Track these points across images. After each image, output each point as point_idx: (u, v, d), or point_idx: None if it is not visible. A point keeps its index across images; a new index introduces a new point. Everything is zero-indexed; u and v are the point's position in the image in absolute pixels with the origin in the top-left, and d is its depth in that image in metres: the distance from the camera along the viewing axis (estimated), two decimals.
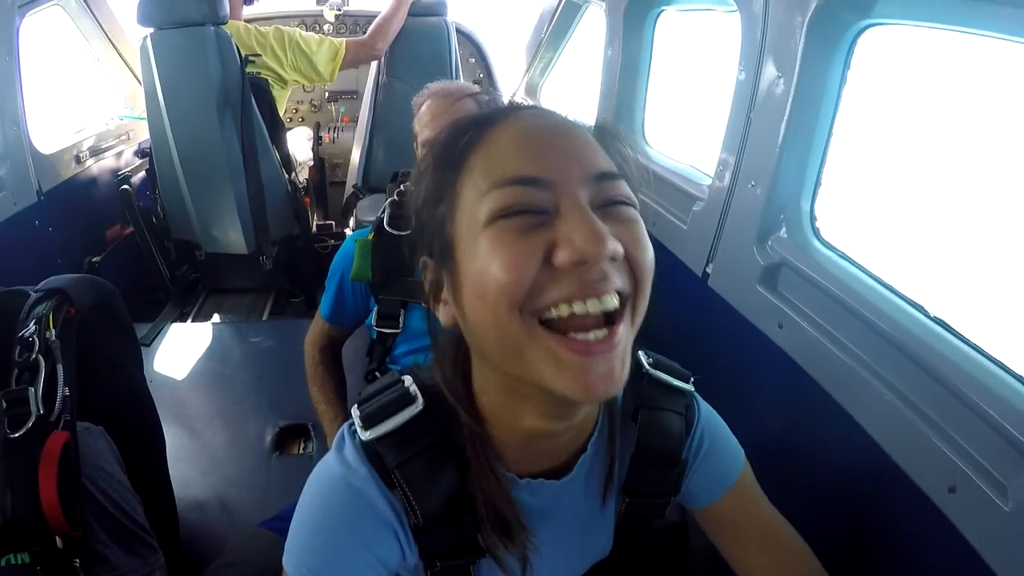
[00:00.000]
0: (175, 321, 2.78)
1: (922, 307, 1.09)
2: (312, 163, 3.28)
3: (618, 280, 0.56)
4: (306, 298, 3.11)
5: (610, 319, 0.56)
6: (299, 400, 1.96)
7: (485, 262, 0.56)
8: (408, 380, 0.72)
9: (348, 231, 2.98)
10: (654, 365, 0.80)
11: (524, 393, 0.62)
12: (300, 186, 2.85)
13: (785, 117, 1.29)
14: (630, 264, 0.57)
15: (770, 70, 1.33)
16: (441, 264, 0.63)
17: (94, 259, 2.74)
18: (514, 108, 0.63)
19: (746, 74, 1.41)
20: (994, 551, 0.87)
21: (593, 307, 0.55)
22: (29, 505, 0.89)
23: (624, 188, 0.59)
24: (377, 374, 1.51)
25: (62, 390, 0.97)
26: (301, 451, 1.99)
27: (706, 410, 0.84)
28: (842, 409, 1.13)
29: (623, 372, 0.57)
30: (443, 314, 0.65)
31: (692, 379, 0.82)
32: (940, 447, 0.95)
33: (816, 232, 1.33)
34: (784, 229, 1.34)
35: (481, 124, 0.61)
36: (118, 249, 2.92)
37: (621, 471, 0.79)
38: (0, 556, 0.91)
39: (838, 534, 1.14)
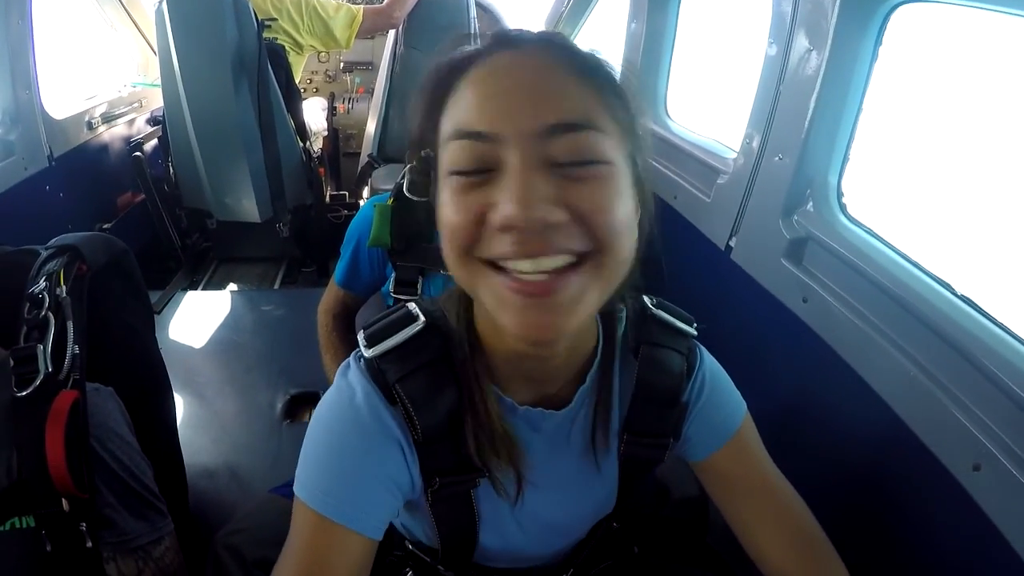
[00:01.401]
0: (186, 289, 2.78)
1: (949, 285, 1.08)
2: (326, 133, 3.26)
3: (566, 241, 0.55)
4: (318, 267, 3.10)
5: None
6: (310, 368, 1.96)
7: (444, 208, 0.59)
8: (412, 304, 0.74)
9: (363, 201, 2.97)
10: (658, 306, 0.80)
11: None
12: (314, 155, 2.83)
13: (815, 91, 1.28)
14: (588, 225, 0.55)
15: (801, 44, 1.31)
16: (433, 194, 0.65)
17: (104, 226, 2.73)
18: (497, 45, 0.60)
19: (776, 48, 1.39)
20: (1017, 531, 0.86)
21: (527, 267, 0.55)
22: (35, 466, 0.87)
23: (590, 141, 0.56)
24: None
25: (71, 348, 0.93)
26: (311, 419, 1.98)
27: (709, 359, 0.83)
28: (867, 385, 1.12)
29: (566, 321, 0.57)
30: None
31: (695, 325, 0.82)
32: (966, 424, 0.95)
33: (843, 208, 1.32)
34: (811, 203, 1.33)
35: (462, 65, 0.60)
36: (129, 216, 2.92)
37: (622, 409, 0.79)
38: (5, 519, 0.89)
39: (860, 509, 1.14)
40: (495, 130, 0.55)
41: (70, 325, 0.95)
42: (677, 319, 0.80)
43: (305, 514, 0.68)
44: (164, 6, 2.38)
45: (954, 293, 1.06)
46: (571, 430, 0.77)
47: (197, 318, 2.45)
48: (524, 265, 0.55)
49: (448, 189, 0.58)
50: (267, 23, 2.45)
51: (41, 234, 1.15)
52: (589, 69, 0.58)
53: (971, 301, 1.03)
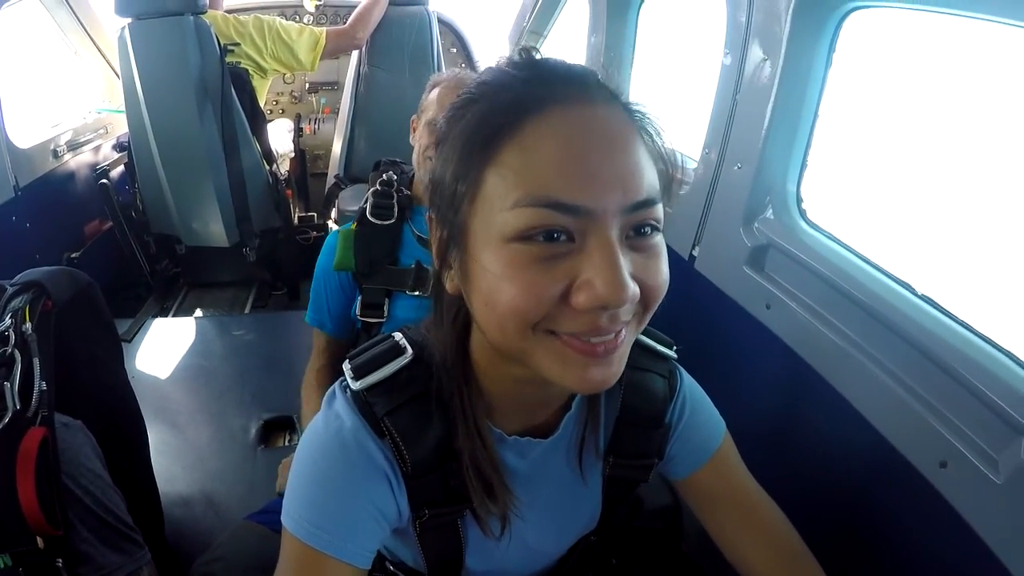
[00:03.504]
0: (156, 316, 2.75)
1: (909, 285, 1.10)
2: (293, 155, 3.24)
3: (628, 315, 0.56)
4: (288, 290, 3.08)
5: None
6: (283, 393, 2.00)
7: (501, 279, 0.54)
8: (398, 335, 0.73)
9: (330, 222, 2.95)
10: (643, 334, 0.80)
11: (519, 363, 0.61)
12: (281, 178, 2.82)
13: (771, 100, 1.30)
14: (643, 293, 0.55)
15: (756, 54, 1.34)
16: (451, 239, 0.60)
17: (73, 255, 2.69)
18: (564, 91, 0.55)
19: (732, 58, 1.41)
20: (986, 524, 0.88)
21: (598, 341, 0.55)
22: (7, 505, 0.86)
23: (657, 212, 0.56)
24: None
25: (39, 384, 0.93)
26: (287, 443, 1.97)
27: (688, 379, 0.85)
28: (831, 388, 1.14)
29: (620, 368, 0.58)
30: (448, 282, 0.64)
31: (675, 347, 0.83)
32: (931, 423, 0.96)
33: (803, 213, 1.34)
34: (771, 211, 1.35)
35: (523, 108, 0.55)
36: (97, 244, 2.87)
37: (606, 432, 0.80)
38: None
39: (830, 511, 1.15)
40: (586, 204, 0.52)
41: (36, 362, 0.94)
42: (658, 343, 0.81)
43: (294, 545, 0.68)
44: (126, 32, 2.38)
45: (915, 293, 1.08)
46: (557, 456, 0.78)
47: (168, 345, 2.41)
48: (595, 340, 0.55)
49: (508, 258, 0.54)
50: (230, 48, 2.45)
51: (8, 265, 1.15)
52: (646, 128, 0.58)
53: (932, 301, 1.05)
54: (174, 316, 2.90)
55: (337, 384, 0.74)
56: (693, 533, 1.18)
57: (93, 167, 2.89)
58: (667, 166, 0.59)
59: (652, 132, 0.59)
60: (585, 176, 0.52)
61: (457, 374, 0.69)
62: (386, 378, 0.69)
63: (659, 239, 0.56)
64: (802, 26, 1.23)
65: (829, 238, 1.27)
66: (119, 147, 3.04)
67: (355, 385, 0.70)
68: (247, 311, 3.00)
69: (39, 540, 0.88)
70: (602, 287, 0.51)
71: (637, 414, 0.79)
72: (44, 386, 0.94)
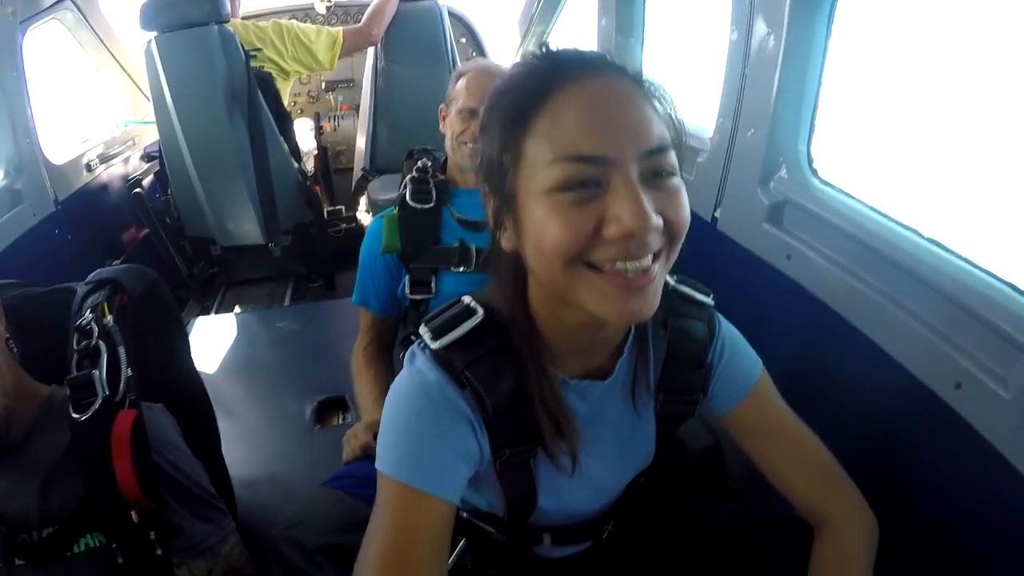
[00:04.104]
0: (198, 316, 2.84)
1: (916, 230, 1.19)
2: (316, 152, 3.33)
3: (655, 244, 0.66)
4: (325, 281, 3.17)
5: None
6: (332, 375, 2.05)
7: (544, 224, 0.66)
8: (467, 299, 0.83)
9: (359, 213, 3.05)
10: (679, 282, 0.91)
11: (570, 305, 0.73)
12: (309, 174, 2.91)
13: (778, 69, 1.40)
14: (668, 227, 0.66)
15: (761, 28, 1.43)
16: (503, 205, 0.73)
17: (114, 262, 2.78)
18: (577, 68, 0.68)
19: (738, 34, 1.51)
20: (999, 436, 0.98)
21: (632, 267, 0.65)
22: (104, 483, 0.91)
23: (671, 159, 0.67)
24: (413, 338, 1.61)
25: (125, 370, 0.99)
26: (341, 421, 2.04)
27: (726, 323, 0.95)
28: (852, 326, 1.24)
29: (655, 302, 0.68)
30: (505, 241, 0.75)
31: (711, 295, 0.94)
32: (944, 349, 1.06)
33: (814, 171, 1.44)
34: (784, 170, 1.45)
35: (547, 87, 0.67)
36: (136, 251, 2.98)
37: (655, 373, 0.90)
38: (78, 538, 0.94)
39: (857, 439, 1.23)
40: (606, 155, 0.64)
41: (121, 351, 1.01)
42: (697, 292, 0.91)
43: (390, 486, 0.76)
44: (153, 45, 2.46)
45: (921, 236, 1.17)
46: (614, 397, 0.88)
47: (215, 341, 2.49)
48: (630, 265, 0.65)
49: (549, 205, 0.66)
50: (252, 53, 2.54)
51: (54, 277, 1.20)
52: (655, 95, 0.70)
53: (937, 242, 1.14)
54: (215, 314, 2.99)
55: (415, 346, 0.82)
56: (735, 470, 1.29)
57: (125, 178, 3.00)
58: (676, 131, 0.71)
59: (659, 99, 0.70)
60: (602, 132, 0.65)
61: (523, 325, 0.79)
62: (462, 336, 0.78)
63: (677, 181, 0.68)
64: (802, 2, 1.33)
65: (839, 192, 1.37)
66: (147, 157, 3.15)
67: (435, 344, 0.78)
68: (286, 304, 3.09)
69: (134, 515, 0.93)
70: (628, 217, 0.63)
71: (682, 355, 0.89)
72: (129, 372, 0.99)
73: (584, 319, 0.74)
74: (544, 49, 0.73)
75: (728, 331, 0.94)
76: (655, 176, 0.66)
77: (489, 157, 0.73)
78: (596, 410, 0.87)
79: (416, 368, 0.80)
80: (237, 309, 3.09)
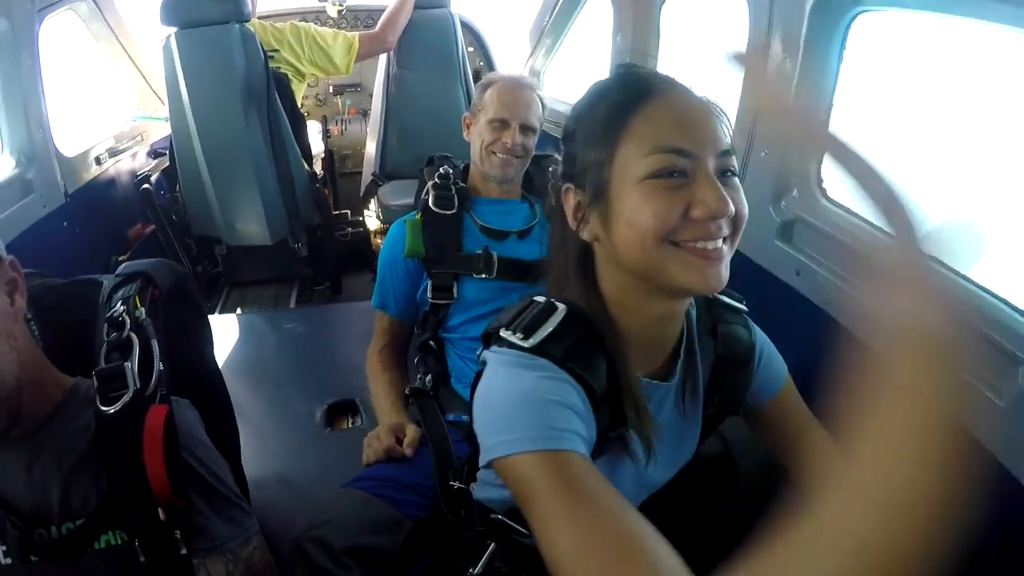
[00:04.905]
0: None
1: None
2: (323, 155, 3.35)
3: (726, 229, 0.77)
4: (331, 284, 3.16)
5: None
6: (342, 378, 2.04)
7: (640, 207, 0.77)
8: (540, 298, 0.84)
9: (367, 218, 3.09)
10: (719, 292, 0.96)
11: (649, 286, 0.81)
12: (319, 177, 2.94)
13: (791, 93, 1.47)
14: (736, 218, 0.78)
15: (777, 53, 1.51)
16: (592, 196, 0.82)
17: (120, 258, 2.78)
18: (660, 84, 0.81)
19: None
20: (994, 440, 1.04)
21: (710, 246, 0.76)
22: (131, 479, 0.87)
23: (734, 161, 0.80)
24: (431, 343, 1.65)
25: (158, 364, 0.95)
26: (351, 425, 2.00)
27: (756, 327, 1.04)
28: (857, 339, 1.30)
29: (726, 275, 0.79)
30: (586, 232, 0.84)
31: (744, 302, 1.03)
32: None
33: (823, 191, 1.51)
34: (796, 190, 1.53)
35: (644, 94, 0.80)
36: (142, 247, 2.97)
37: (704, 376, 0.97)
38: (100, 534, 0.90)
39: None
40: (694, 149, 0.76)
41: (154, 343, 0.97)
42: (733, 300, 1.01)
43: (528, 465, 0.69)
44: (172, 40, 2.48)
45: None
46: (669, 398, 0.94)
47: (220, 341, 2.26)
48: (709, 244, 0.76)
49: (646, 190, 0.77)
50: (270, 54, 2.57)
51: (61, 269, 1.19)
52: (719, 112, 0.82)
53: (940, 261, 1.21)
54: (219, 314, 2.96)
55: (496, 352, 0.81)
56: (746, 475, 1.32)
57: (132, 173, 3.01)
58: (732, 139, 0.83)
59: (720, 115, 0.82)
60: (690, 130, 0.77)
61: (604, 315, 0.85)
62: (555, 329, 0.80)
63: (738, 181, 0.80)
64: (817, 28, 1.41)
65: (847, 211, 1.44)
66: (153, 153, 3.15)
67: (530, 342, 0.78)
68: (292, 306, 3.07)
69: (161, 512, 0.89)
70: (712, 202, 0.74)
71: (732, 358, 0.97)
72: (162, 366, 0.95)
73: (661, 308, 0.84)
74: (629, 67, 0.88)
75: (760, 334, 1.03)
76: (723, 174, 0.78)
77: (580, 156, 0.84)
78: (657, 410, 0.91)
79: (514, 367, 0.78)
80: (240, 310, 3.08)
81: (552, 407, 0.73)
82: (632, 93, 0.81)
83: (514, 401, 0.75)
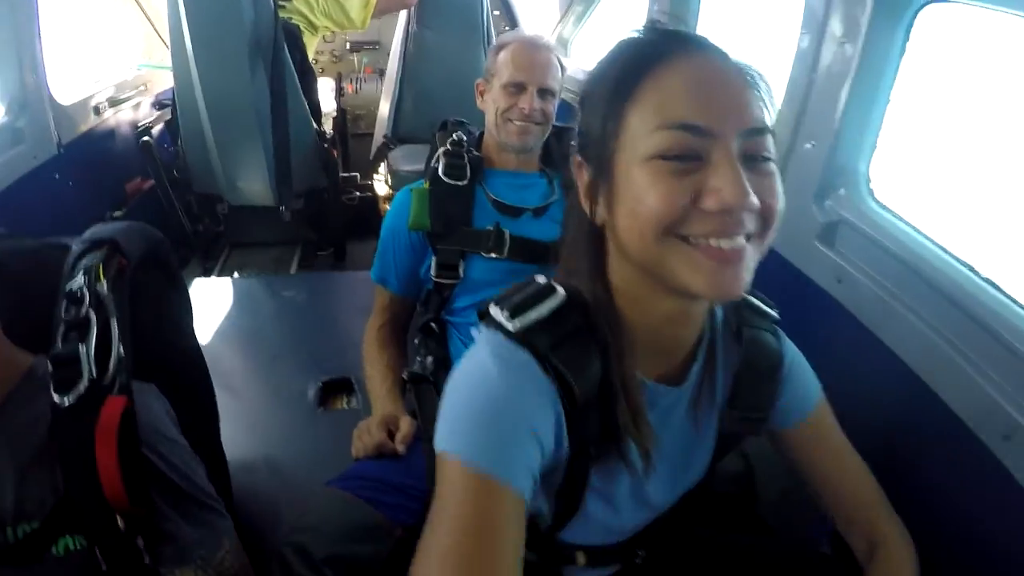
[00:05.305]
0: (199, 276, 2.73)
1: (971, 267, 1.15)
2: (335, 115, 3.22)
3: (750, 225, 0.64)
4: (335, 251, 3.07)
5: None
6: (339, 354, 1.94)
7: (642, 191, 0.65)
8: (541, 278, 0.77)
9: (376, 183, 2.96)
10: (747, 292, 0.86)
11: (657, 282, 0.70)
12: (328, 137, 2.81)
13: (848, 82, 1.33)
14: (762, 210, 0.64)
15: (834, 36, 1.36)
16: (598, 173, 0.71)
17: (115, 213, 2.70)
18: (684, 44, 0.68)
19: (808, 39, 1.43)
20: None
21: (725, 244, 0.64)
22: (84, 481, 0.80)
23: (768, 143, 0.66)
24: (433, 325, 1.52)
25: (117, 349, 0.85)
26: (346, 406, 1.88)
27: (787, 339, 0.91)
28: (901, 360, 1.19)
29: (746, 280, 0.66)
30: (596, 215, 0.73)
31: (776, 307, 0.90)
32: (995, 398, 1.02)
33: (871, 193, 1.38)
34: (843, 189, 1.39)
35: (656, 57, 0.67)
36: (139, 203, 2.87)
37: (725, 385, 0.86)
38: (55, 540, 0.83)
39: (898, 482, 1.20)
40: (709, 126, 0.63)
41: (114, 323, 0.87)
42: (763, 303, 0.88)
43: (460, 474, 0.66)
44: None
45: (978, 275, 1.13)
46: (680, 407, 0.83)
47: (214, 306, 2.31)
48: (724, 242, 0.63)
49: (650, 172, 0.65)
50: (281, 3, 2.43)
51: (51, 225, 1.10)
52: (757, 82, 0.68)
53: (994, 283, 1.10)
54: (218, 276, 2.89)
55: (483, 328, 0.75)
56: (766, 498, 1.23)
57: (133, 125, 2.89)
58: (770, 113, 0.68)
59: (760, 86, 0.68)
60: (707, 103, 0.64)
61: (607, 307, 0.74)
62: (545, 316, 0.72)
63: (773, 167, 0.66)
64: (881, 14, 1.26)
65: (897, 218, 1.31)
66: (159, 104, 3.04)
67: (515, 325, 0.71)
68: (293, 271, 2.99)
69: (119, 520, 0.83)
70: (727, 191, 0.62)
71: (757, 367, 0.85)
72: (122, 351, 0.86)
73: (672, 307, 0.73)
74: (651, 25, 0.72)
75: (790, 346, 0.91)
76: (752, 159, 0.65)
77: (590, 126, 0.72)
78: (663, 418, 0.81)
79: (495, 350, 0.72)
80: (245, 272, 2.98)
81: (516, 433, 0.68)
82: (646, 54, 0.67)
83: (482, 406, 0.70)
